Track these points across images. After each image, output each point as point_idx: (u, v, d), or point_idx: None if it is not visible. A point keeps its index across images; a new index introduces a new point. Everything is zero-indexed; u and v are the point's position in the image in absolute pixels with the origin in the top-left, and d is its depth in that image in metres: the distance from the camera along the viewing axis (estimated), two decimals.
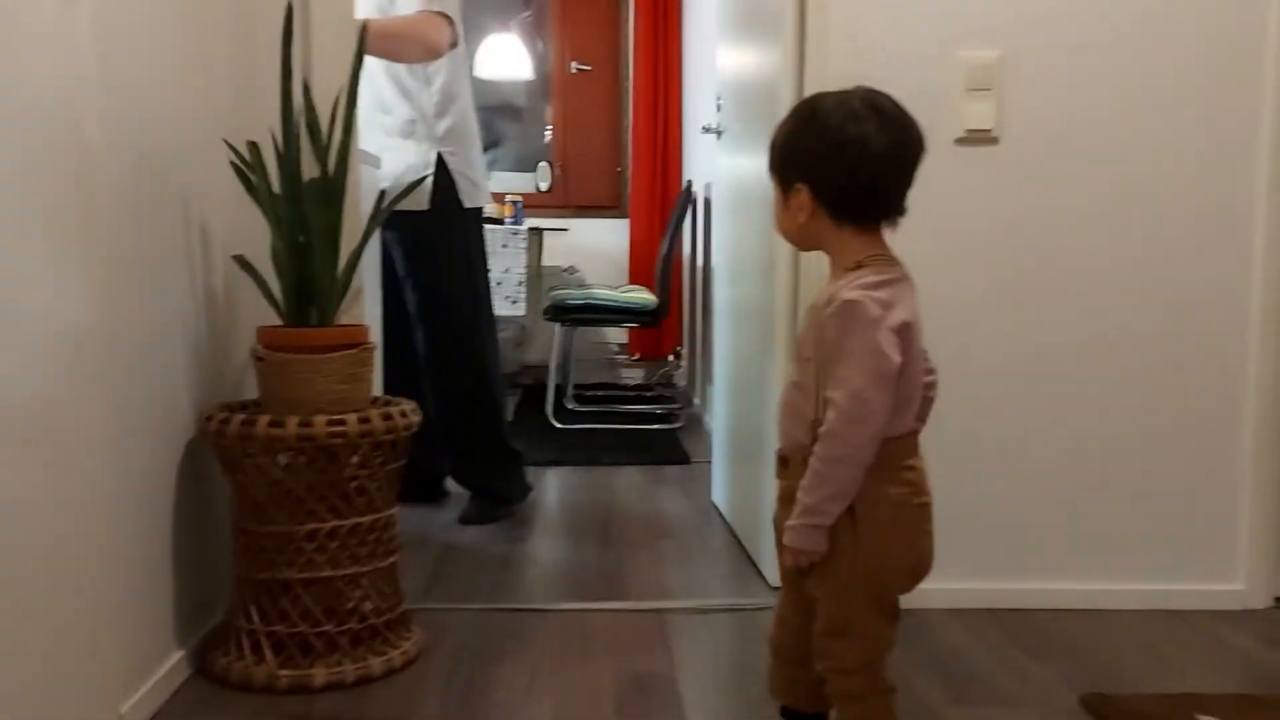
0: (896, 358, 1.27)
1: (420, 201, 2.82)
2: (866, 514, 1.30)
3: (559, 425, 4.46)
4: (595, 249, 5.77)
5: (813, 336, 1.34)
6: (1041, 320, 2.26)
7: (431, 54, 2.80)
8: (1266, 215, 2.24)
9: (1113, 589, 2.28)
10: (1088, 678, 1.90)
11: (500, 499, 3.07)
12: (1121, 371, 2.27)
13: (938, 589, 2.12)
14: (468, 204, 2.95)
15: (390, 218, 2.75)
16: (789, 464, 1.37)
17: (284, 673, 1.81)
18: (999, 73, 2.21)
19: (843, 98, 1.33)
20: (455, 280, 2.95)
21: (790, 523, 1.32)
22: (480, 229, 3.06)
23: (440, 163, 2.88)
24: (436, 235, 2.91)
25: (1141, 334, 2.27)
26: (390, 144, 2.88)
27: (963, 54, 2.21)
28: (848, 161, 1.32)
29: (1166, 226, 2.25)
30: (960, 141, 2.22)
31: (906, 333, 1.30)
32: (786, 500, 1.36)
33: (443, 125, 2.91)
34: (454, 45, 2.85)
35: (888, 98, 1.34)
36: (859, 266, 1.33)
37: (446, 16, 2.81)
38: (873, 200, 1.34)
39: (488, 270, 3.07)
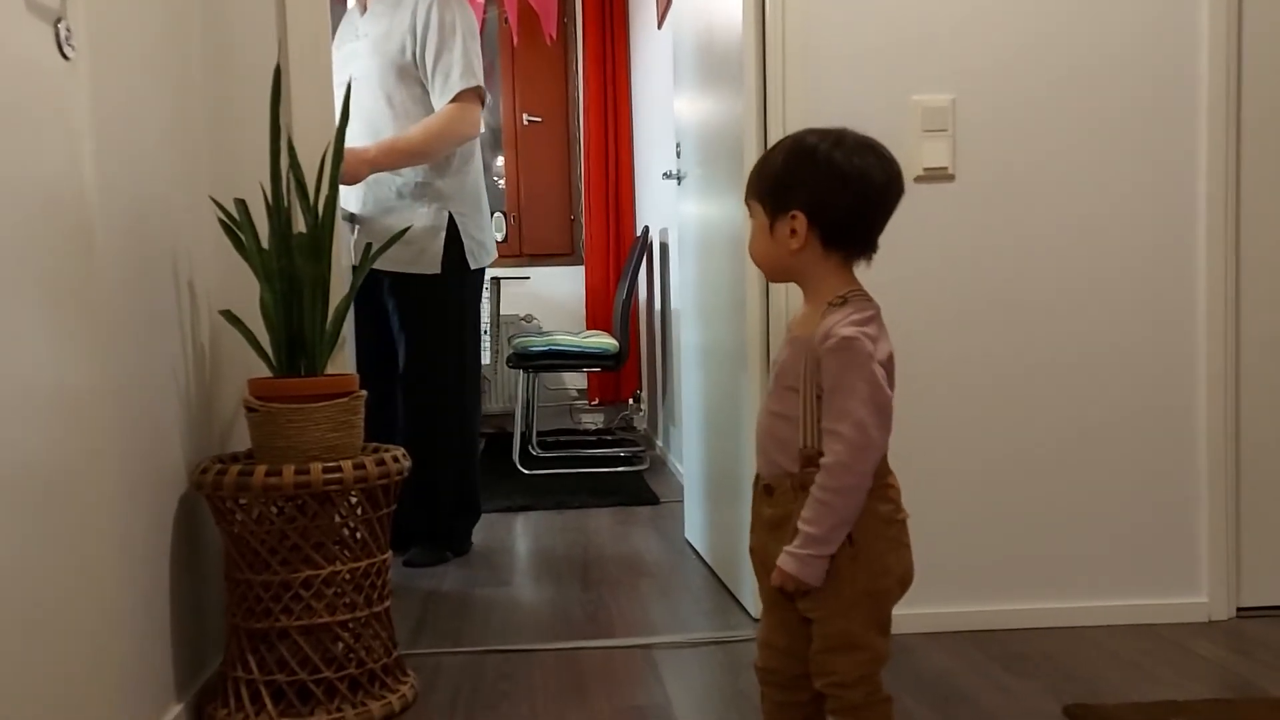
0: (889, 390, 1.34)
1: (432, 265, 2.86)
2: (863, 533, 1.36)
3: (526, 471, 4.49)
4: (551, 297, 5.82)
5: (799, 368, 1.37)
6: (1002, 348, 2.36)
7: (468, 141, 2.90)
8: (1207, 242, 2.36)
9: (1083, 606, 2.36)
10: (1068, 690, 1.97)
11: (447, 546, 3.08)
12: (1080, 397, 2.37)
13: (916, 614, 2.21)
14: (473, 265, 2.99)
15: (394, 279, 2.80)
16: (775, 492, 1.40)
17: None
18: (952, 115, 2.33)
19: (837, 134, 1.38)
20: (449, 342, 2.97)
21: (795, 551, 1.35)
22: (480, 289, 3.10)
23: (451, 224, 2.91)
24: (441, 298, 2.93)
25: (1096, 360, 2.37)
26: (400, 205, 2.89)
27: (917, 98, 2.32)
28: (851, 192, 1.36)
29: (1114, 255, 2.37)
30: (919, 179, 2.32)
31: (890, 365, 1.37)
32: (775, 527, 1.40)
33: (453, 186, 2.94)
34: (483, 103, 2.93)
35: (872, 138, 1.40)
36: (844, 302, 1.38)
37: (479, 91, 2.87)
38: (864, 233, 1.39)
39: (479, 329, 3.11)
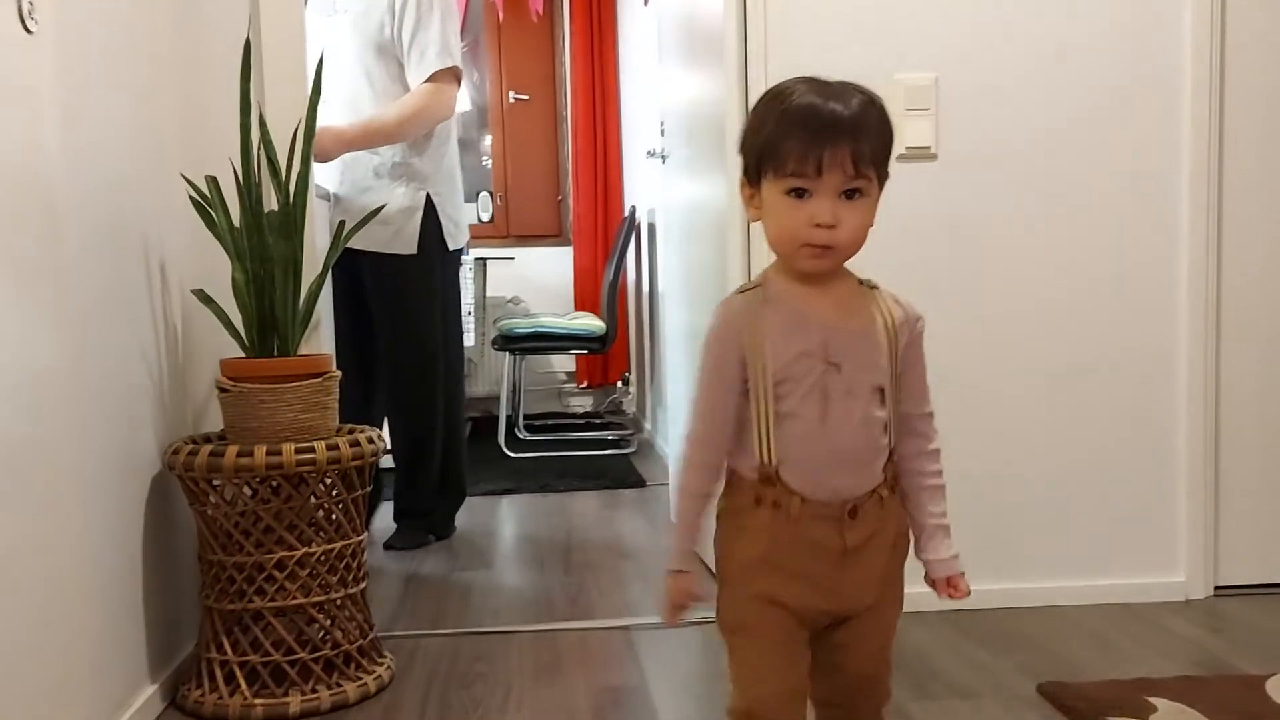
0: None
1: (408, 245, 2.84)
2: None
3: (512, 454, 4.48)
4: (539, 278, 5.79)
5: (887, 360, 1.24)
6: (982, 328, 2.35)
7: (442, 122, 2.87)
8: (1190, 221, 2.35)
9: (1062, 586, 2.36)
10: (1043, 668, 1.97)
11: (429, 529, 3.07)
12: (1060, 378, 2.36)
13: None
14: (451, 246, 2.98)
15: (372, 259, 2.78)
16: (860, 511, 1.22)
17: (259, 702, 1.81)
18: (935, 94, 2.31)
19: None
20: (429, 323, 2.95)
21: (955, 552, 1.28)
22: (458, 269, 3.09)
23: (428, 204, 2.89)
24: (418, 279, 2.91)
25: (1077, 339, 2.36)
26: (378, 184, 2.87)
27: (900, 76, 2.30)
28: None
29: (1096, 234, 2.36)
30: (901, 159, 2.30)
31: None
32: (853, 552, 1.23)
33: (431, 166, 2.91)
34: (459, 84, 2.92)
35: None
36: (871, 281, 1.29)
37: (455, 71, 2.85)
38: None
39: (460, 310, 3.10)
